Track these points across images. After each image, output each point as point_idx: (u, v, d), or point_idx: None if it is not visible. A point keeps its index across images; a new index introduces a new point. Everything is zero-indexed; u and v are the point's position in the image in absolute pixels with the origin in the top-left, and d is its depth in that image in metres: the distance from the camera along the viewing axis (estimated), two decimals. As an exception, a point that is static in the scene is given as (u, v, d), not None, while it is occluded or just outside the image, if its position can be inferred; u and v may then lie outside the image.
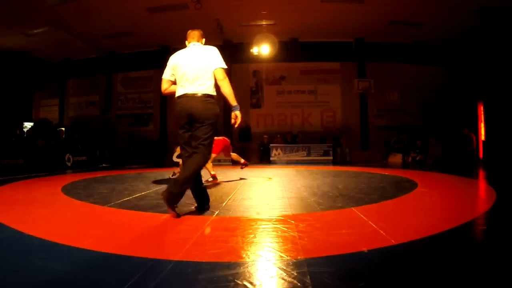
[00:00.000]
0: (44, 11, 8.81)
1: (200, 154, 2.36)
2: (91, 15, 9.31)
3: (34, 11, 8.77)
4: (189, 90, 2.40)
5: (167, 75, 2.62)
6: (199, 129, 2.38)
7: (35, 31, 10.21)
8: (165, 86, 2.62)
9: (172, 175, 5.54)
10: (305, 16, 9.84)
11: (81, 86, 13.28)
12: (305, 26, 10.63)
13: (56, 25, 9.60)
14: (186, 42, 2.72)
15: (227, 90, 2.49)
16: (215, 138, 5.35)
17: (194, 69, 2.43)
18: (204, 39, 2.81)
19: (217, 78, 2.45)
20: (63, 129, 10.73)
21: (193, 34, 2.74)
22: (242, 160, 5.34)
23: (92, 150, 10.13)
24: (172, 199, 2.27)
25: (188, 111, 2.37)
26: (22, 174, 6.37)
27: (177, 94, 2.47)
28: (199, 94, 2.39)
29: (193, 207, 2.63)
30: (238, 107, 2.52)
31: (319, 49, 11.92)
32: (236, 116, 2.51)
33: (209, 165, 5.27)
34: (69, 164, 8.76)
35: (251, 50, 11.45)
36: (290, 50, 11.82)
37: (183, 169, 2.42)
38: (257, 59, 11.76)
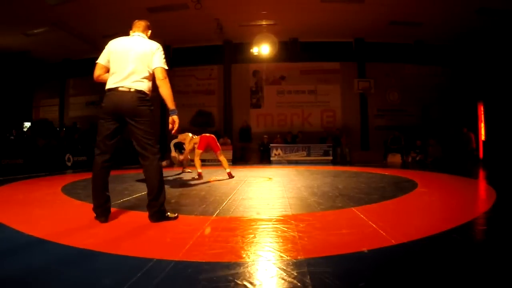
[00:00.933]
0: (44, 11, 8.81)
1: (152, 157, 2.28)
2: (91, 15, 9.31)
3: (34, 11, 8.77)
4: (123, 84, 2.18)
5: (102, 60, 2.33)
6: (136, 128, 2.22)
7: (35, 31, 10.21)
8: (98, 73, 2.33)
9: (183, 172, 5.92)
10: (305, 16, 9.85)
11: (81, 86, 13.28)
12: (305, 26, 10.63)
13: (56, 25, 9.60)
14: (130, 32, 2.46)
15: (166, 91, 2.31)
16: (203, 134, 5.43)
17: (132, 62, 2.22)
18: (149, 32, 2.54)
19: (156, 77, 2.29)
20: (64, 129, 10.73)
21: (139, 24, 2.47)
22: (228, 170, 5.35)
23: (92, 150, 10.12)
24: (163, 214, 2.26)
25: (117, 107, 2.18)
26: (22, 174, 6.37)
27: (108, 86, 2.23)
28: (133, 90, 2.19)
29: (194, 208, 2.62)
30: (176, 111, 2.38)
31: (319, 49, 11.92)
32: (174, 121, 2.38)
33: (198, 162, 5.55)
34: (69, 164, 8.76)
35: (251, 50, 11.46)
36: (290, 50, 11.83)
37: (150, 180, 2.29)
38: (257, 59, 11.77)
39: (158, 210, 2.23)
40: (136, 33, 2.42)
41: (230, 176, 5.25)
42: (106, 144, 2.28)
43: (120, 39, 2.39)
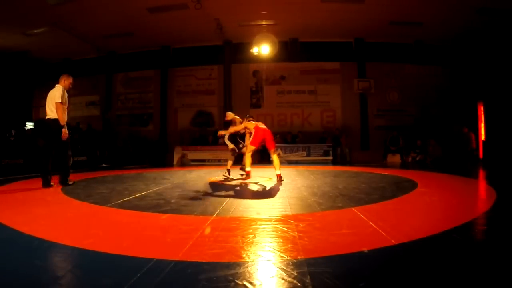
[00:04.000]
0: (44, 11, 8.81)
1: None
2: (91, 15, 9.31)
3: (34, 11, 8.77)
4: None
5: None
6: None
7: (35, 31, 10.21)
8: None
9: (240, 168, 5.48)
10: (305, 16, 9.85)
11: (81, 86, 13.26)
12: (305, 26, 10.63)
13: (56, 25, 9.60)
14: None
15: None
16: (257, 125, 4.79)
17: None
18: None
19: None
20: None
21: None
22: (278, 172, 4.58)
23: (92, 150, 10.13)
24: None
25: None
26: (22, 174, 6.37)
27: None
28: None
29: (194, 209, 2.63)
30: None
31: (319, 49, 11.92)
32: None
33: (249, 160, 4.85)
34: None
35: (251, 50, 11.45)
36: (290, 50, 11.83)
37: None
38: (257, 59, 11.76)
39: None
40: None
41: (280, 179, 4.51)
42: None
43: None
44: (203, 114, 12.32)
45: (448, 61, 11.59)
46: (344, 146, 10.83)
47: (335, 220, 2.28)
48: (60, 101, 4.11)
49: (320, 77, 11.93)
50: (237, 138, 5.53)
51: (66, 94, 4.27)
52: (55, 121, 4.11)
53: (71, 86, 4.41)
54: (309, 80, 11.93)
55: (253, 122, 4.93)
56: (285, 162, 10.30)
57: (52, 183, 4.21)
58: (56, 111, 4.09)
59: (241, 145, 5.54)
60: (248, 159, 4.84)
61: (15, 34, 10.25)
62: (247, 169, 4.89)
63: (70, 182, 4.37)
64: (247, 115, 5.46)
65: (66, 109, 4.31)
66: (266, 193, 3.65)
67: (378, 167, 7.56)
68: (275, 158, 4.73)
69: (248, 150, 4.84)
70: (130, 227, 2.15)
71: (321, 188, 3.90)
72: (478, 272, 1.33)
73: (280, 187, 4.03)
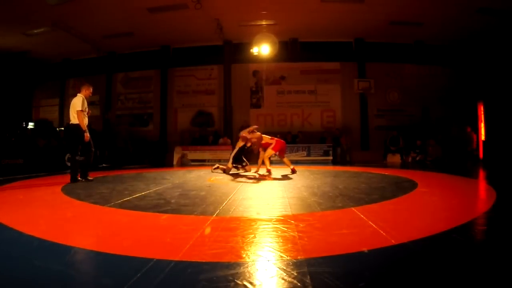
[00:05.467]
0: (44, 11, 8.81)
1: None
2: (91, 15, 9.31)
3: (34, 11, 8.77)
4: None
5: None
6: None
7: (35, 31, 10.21)
8: None
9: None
10: (305, 16, 9.85)
11: (81, 86, 13.26)
12: (305, 26, 10.63)
13: (56, 25, 9.60)
14: None
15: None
16: (278, 139, 6.13)
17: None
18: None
19: None
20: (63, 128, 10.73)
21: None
22: (292, 167, 5.81)
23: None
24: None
25: None
26: (22, 174, 6.37)
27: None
28: None
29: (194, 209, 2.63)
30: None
31: (319, 49, 11.93)
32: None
33: (267, 161, 5.87)
34: (69, 164, 8.75)
35: (251, 50, 11.45)
36: (290, 50, 11.83)
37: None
38: (257, 59, 11.76)
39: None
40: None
41: (294, 171, 5.72)
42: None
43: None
44: (203, 114, 12.32)
45: (448, 61, 11.60)
46: (344, 146, 10.83)
47: (335, 220, 2.28)
48: (81, 109, 4.74)
49: (320, 77, 11.94)
50: (242, 156, 6.34)
51: (86, 102, 4.91)
52: (78, 126, 4.75)
53: (91, 94, 5.10)
54: (309, 80, 11.93)
55: (267, 136, 6.07)
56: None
57: (79, 178, 4.77)
58: (78, 118, 4.73)
59: (244, 163, 6.39)
60: (266, 160, 5.85)
61: (15, 34, 10.25)
62: (268, 167, 5.77)
63: (90, 178, 4.88)
64: (254, 127, 6.30)
65: (87, 115, 4.93)
66: (266, 193, 3.65)
67: (378, 167, 7.56)
68: (286, 160, 6.04)
69: (268, 154, 5.87)
70: (130, 227, 2.15)
71: (321, 188, 3.90)
72: (478, 272, 1.33)
73: (280, 187, 4.04)
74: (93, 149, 5.07)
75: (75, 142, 4.87)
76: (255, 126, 6.33)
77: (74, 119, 4.80)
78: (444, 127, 10.68)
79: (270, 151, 5.84)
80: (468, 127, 9.91)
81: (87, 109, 4.93)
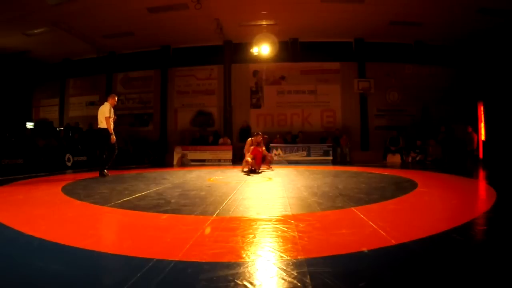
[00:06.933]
0: (44, 11, 8.81)
1: None
2: (91, 15, 9.32)
3: (34, 11, 8.78)
4: None
5: None
6: None
7: (35, 31, 10.22)
8: None
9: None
10: (305, 16, 9.85)
11: (81, 86, 13.28)
12: (305, 26, 10.64)
13: (56, 25, 9.60)
14: None
15: None
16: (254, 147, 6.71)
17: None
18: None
19: None
20: (62, 128, 10.74)
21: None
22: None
23: (92, 150, 10.13)
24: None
25: None
26: (22, 174, 6.37)
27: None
28: None
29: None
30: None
31: (319, 49, 11.93)
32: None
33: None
34: (69, 164, 8.77)
35: (251, 50, 11.46)
36: (290, 50, 11.83)
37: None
38: (257, 59, 11.77)
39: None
40: None
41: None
42: None
43: None
44: (203, 114, 12.32)
45: (448, 61, 11.60)
46: (344, 146, 10.83)
47: (335, 220, 2.28)
48: (108, 116, 5.59)
49: (320, 77, 11.94)
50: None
51: (112, 109, 5.72)
52: (106, 129, 5.58)
53: (115, 103, 5.91)
54: (309, 80, 11.93)
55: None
56: (285, 162, 10.30)
57: (105, 173, 5.51)
58: (106, 123, 5.57)
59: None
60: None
61: (15, 34, 10.26)
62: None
63: (106, 173, 5.54)
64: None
65: (113, 120, 5.71)
66: (266, 193, 3.65)
67: (378, 167, 7.56)
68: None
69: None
70: (130, 227, 2.15)
71: (321, 188, 3.90)
72: (478, 272, 1.33)
73: (280, 187, 4.04)
74: (117, 150, 5.82)
75: (103, 143, 5.69)
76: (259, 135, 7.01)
77: (101, 123, 5.62)
78: (446, 127, 10.65)
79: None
80: (469, 127, 9.91)
81: (113, 115, 5.72)
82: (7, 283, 1.25)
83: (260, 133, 7.14)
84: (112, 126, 5.66)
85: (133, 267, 1.35)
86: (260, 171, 6.48)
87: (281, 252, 1.54)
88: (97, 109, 5.99)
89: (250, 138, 7.15)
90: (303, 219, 2.22)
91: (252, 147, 6.65)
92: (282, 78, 12.11)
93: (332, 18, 9.95)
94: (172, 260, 1.43)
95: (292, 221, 2.15)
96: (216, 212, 2.49)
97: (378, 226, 1.98)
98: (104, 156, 5.77)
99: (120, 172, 6.94)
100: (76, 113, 13.04)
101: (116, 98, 6.01)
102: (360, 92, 11.64)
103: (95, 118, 6.10)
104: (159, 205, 2.82)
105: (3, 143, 7.82)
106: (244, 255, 1.52)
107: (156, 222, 2.24)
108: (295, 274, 1.28)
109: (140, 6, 9.05)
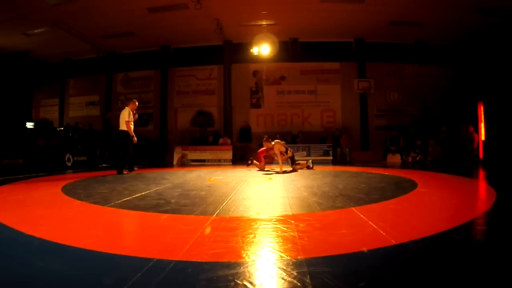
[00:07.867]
0: (44, 11, 8.81)
1: None
2: (91, 15, 9.31)
3: (34, 11, 8.78)
4: None
5: None
6: None
7: (35, 31, 10.22)
8: None
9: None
10: (305, 16, 9.85)
11: (81, 86, 13.28)
12: (305, 26, 10.64)
13: (56, 25, 9.60)
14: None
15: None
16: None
17: None
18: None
19: None
20: (62, 128, 10.74)
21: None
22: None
23: (92, 150, 10.13)
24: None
25: None
26: (22, 174, 6.37)
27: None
28: None
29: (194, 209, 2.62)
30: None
31: (319, 49, 11.93)
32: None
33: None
34: (69, 164, 8.77)
35: (251, 50, 11.45)
36: (290, 50, 11.83)
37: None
38: (257, 59, 11.77)
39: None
40: None
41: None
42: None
43: None
44: (203, 114, 12.32)
45: (448, 61, 11.60)
46: (344, 146, 10.83)
47: (335, 220, 2.28)
48: (128, 120, 6.20)
49: (320, 77, 11.94)
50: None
51: (131, 114, 6.27)
52: (126, 131, 6.22)
53: (136, 107, 6.42)
54: (309, 80, 11.93)
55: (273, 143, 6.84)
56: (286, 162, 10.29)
57: (125, 172, 6.18)
58: (126, 126, 6.20)
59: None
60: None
61: (15, 34, 10.26)
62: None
63: (125, 172, 6.23)
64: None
65: (132, 123, 6.28)
66: (266, 193, 3.65)
67: (378, 167, 7.56)
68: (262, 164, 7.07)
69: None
70: (130, 227, 2.15)
71: (321, 188, 3.90)
72: (478, 272, 1.33)
73: (280, 187, 4.04)
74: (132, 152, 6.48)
75: (125, 144, 6.29)
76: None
77: (122, 126, 6.24)
78: (447, 126, 10.62)
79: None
80: (471, 127, 9.91)
81: (132, 119, 6.29)
82: (7, 283, 1.25)
83: (269, 139, 7.02)
84: (132, 128, 6.27)
85: (133, 267, 1.35)
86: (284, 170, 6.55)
87: (281, 252, 1.54)
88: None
89: (263, 148, 7.19)
90: (303, 219, 2.22)
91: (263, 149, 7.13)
92: (282, 78, 12.11)
93: (332, 18, 9.95)
94: (172, 260, 1.43)
95: (292, 221, 2.15)
96: (216, 212, 2.49)
97: (378, 226, 1.98)
98: (124, 155, 6.38)
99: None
100: (76, 113, 13.04)
101: (137, 103, 6.49)
102: (360, 92, 11.64)
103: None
104: (159, 205, 2.82)
105: (3, 143, 7.82)
106: (244, 255, 1.52)
107: (156, 222, 2.24)
108: (295, 274, 1.28)
109: (140, 6, 9.05)
